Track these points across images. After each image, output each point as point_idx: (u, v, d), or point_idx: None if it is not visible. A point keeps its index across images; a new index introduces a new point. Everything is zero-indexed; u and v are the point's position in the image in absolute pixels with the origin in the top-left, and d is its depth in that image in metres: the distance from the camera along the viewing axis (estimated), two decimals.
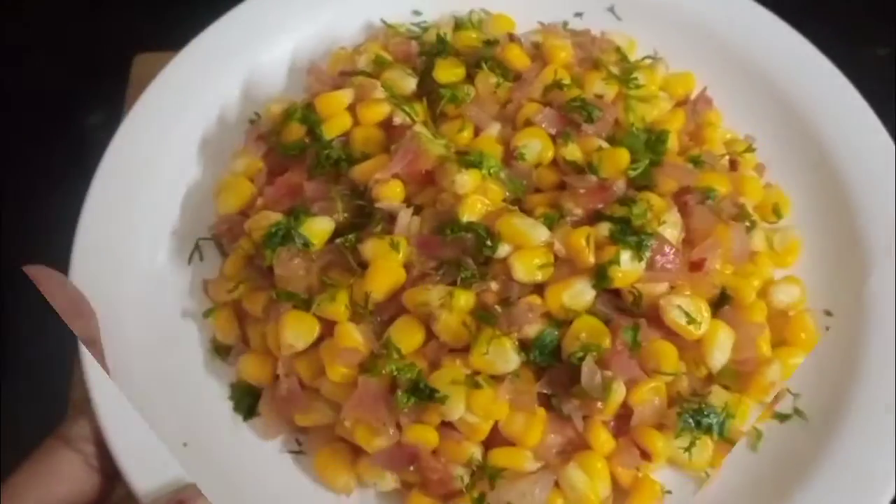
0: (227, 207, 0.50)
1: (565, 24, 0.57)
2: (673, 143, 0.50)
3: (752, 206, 0.50)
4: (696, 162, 0.49)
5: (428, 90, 0.51)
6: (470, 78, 0.51)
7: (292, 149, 0.51)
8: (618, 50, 0.54)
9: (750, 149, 0.52)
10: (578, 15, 0.57)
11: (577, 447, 0.44)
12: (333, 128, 0.50)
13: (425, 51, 0.53)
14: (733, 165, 0.51)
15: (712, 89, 0.54)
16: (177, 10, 0.74)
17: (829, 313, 0.48)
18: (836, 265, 0.49)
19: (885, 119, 0.61)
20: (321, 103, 0.50)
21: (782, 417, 0.45)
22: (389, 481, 0.44)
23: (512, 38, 0.52)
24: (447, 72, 0.51)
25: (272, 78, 0.57)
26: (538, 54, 0.52)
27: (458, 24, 0.55)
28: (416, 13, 0.57)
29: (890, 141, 0.51)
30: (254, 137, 0.53)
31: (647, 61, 0.54)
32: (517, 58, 0.51)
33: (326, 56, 0.56)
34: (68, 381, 0.54)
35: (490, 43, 0.53)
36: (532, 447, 0.43)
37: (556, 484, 0.44)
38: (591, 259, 0.44)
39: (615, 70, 0.51)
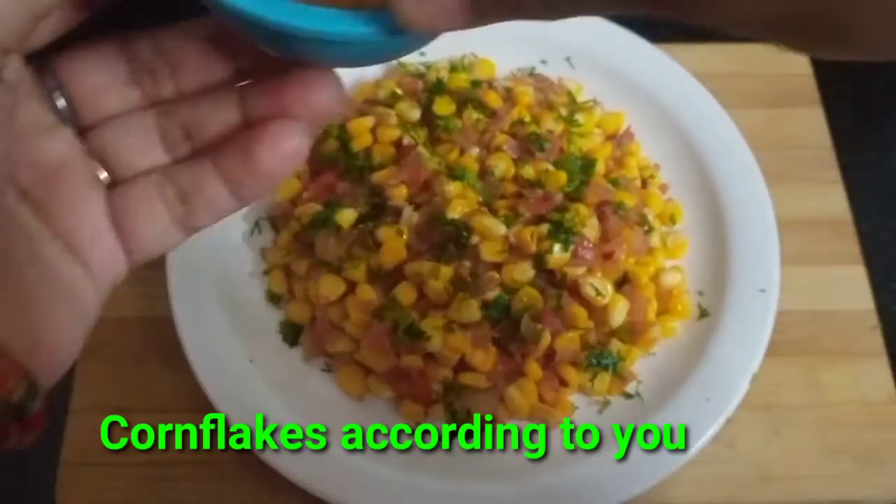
0: (281, 197, 0.62)
1: (533, 69, 0.69)
2: (600, 167, 0.62)
3: (654, 214, 0.62)
4: (615, 182, 0.61)
5: (428, 119, 0.62)
6: (459, 112, 0.62)
7: (329, 158, 0.62)
8: (569, 93, 0.67)
9: (655, 173, 0.65)
10: (544, 62, 0.70)
11: (517, 374, 0.56)
12: (359, 144, 0.61)
13: (427, 88, 0.64)
14: (644, 184, 0.64)
15: (634, 126, 0.66)
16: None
17: (700, 293, 0.61)
18: (710, 260, 0.62)
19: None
20: (351, 126, 0.62)
21: (628, 396, 0.58)
22: (388, 392, 0.57)
23: (490, 84, 0.64)
24: (443, 107, 0.62)
25: None
26: (509, 97, 0.64)
27: (453, 67, 0.67)
28: (422, 53, 0.69)
29: (757, 170, 0.63)
30: None
31: (589, 104, 0.67)
32: (493, 100, 0.63)
33: (356, 87, 0.67)
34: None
35: (476, 83, 0.65)
36: (486, 373, 0.56)
37: (501, 398, 0.56)
38: (534, 248, 0.56)
39: (564, 111, 0.64)
